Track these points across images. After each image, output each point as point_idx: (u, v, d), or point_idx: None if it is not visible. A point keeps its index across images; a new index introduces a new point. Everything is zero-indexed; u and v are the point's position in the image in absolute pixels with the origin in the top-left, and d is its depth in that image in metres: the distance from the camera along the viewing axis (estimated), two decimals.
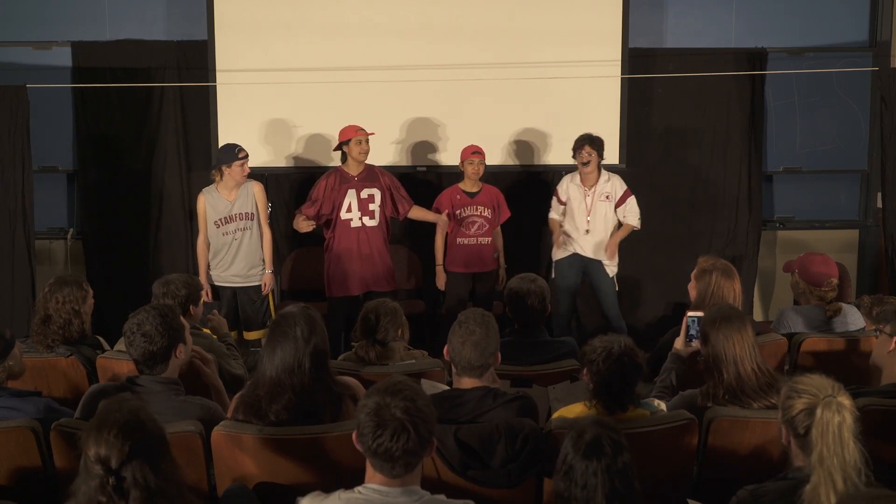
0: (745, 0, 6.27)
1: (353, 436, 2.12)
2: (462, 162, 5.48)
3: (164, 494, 2.00)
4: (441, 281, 5.53)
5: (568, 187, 5.51)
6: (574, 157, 5.41)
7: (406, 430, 2.03)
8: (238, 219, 5.18)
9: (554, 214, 5.60)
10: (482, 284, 5.57)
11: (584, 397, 2.92)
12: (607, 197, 5.45)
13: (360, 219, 5.30)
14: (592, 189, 5.43)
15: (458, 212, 5.47)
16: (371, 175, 5.34)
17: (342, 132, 5.27)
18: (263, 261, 5.27)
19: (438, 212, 5.46)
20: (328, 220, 5.32)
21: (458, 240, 5.49)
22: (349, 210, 5.29)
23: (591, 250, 5.47)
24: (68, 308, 3.73)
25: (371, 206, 5.31)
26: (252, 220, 5.20)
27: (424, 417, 2.07)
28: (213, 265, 5.23)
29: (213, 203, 5.19)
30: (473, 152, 5.43)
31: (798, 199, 6.53)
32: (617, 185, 5.47)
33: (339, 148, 5.31)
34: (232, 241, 5.18)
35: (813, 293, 3.97)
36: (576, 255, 5.51)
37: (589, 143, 5.35)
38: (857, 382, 3.17)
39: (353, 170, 5.30)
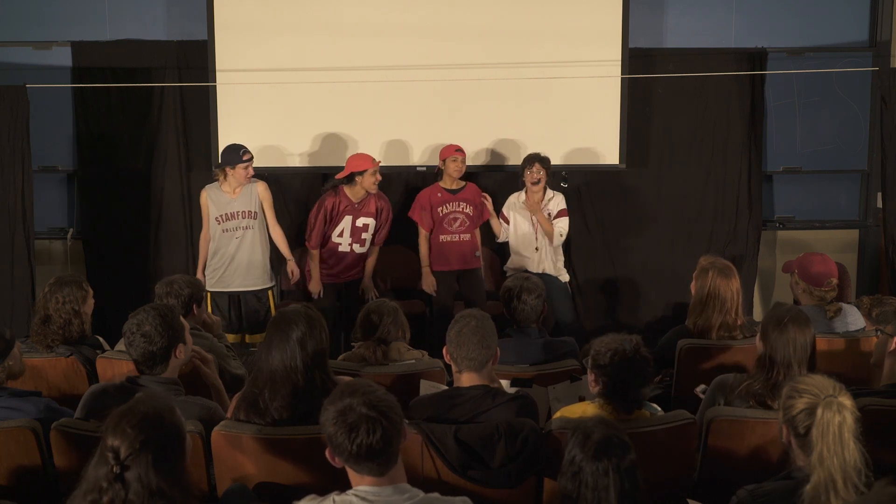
0: (745, 0, 6.27)
1: (327, 453, 2.12)
2: (444, 160, 5.50)
3: (166, 496, 1.99)
4: (428, 283, 5.54)
5: (514, 207, 5.62)
6: (522, 174, 5.50)
7: (378, 421, 2.05)
8: (240, 217, 5.18)
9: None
10: (466, 283, 5.59)
11: (587, 396, 2.91)
12: (549, 214, 5.53)
13: (350, 245, 5.39)
14: (542, 206, 5.52)
15: (439, 209, 5.49)
16: (368, 204, 5.37)
17: (355, 162, 5.26)
18: (280, 256, 5.39)
19: (422, 210, 5.50)
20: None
21: (441, 237, 5.52)
22: (341, 235, 5.37)
23: (538, 266, 5.56)
24: (68, 308, 3.73)
25: (364, 235, 5.40)
26: (255, 218, 5.20)
27: (389, 404, 2.10)
28: (211, 266, 5.22)
29: (214, 199, 5.20)
30: (457, 150, 5.47)
31: (798, 199, 6.52)
32: (558, 202, 5.57)
33: (349, 175, 5.27)
34: (232, 240, 5.18)
35: (813, 293, 3.96)
36: (526, 271, 5.44)
37: (539, 160, 5.45)
38: (857, 382, 3.17)
39: (355, 196, 5.33)
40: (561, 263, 5.70)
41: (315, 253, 5.39)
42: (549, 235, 5.51)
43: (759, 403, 2.88)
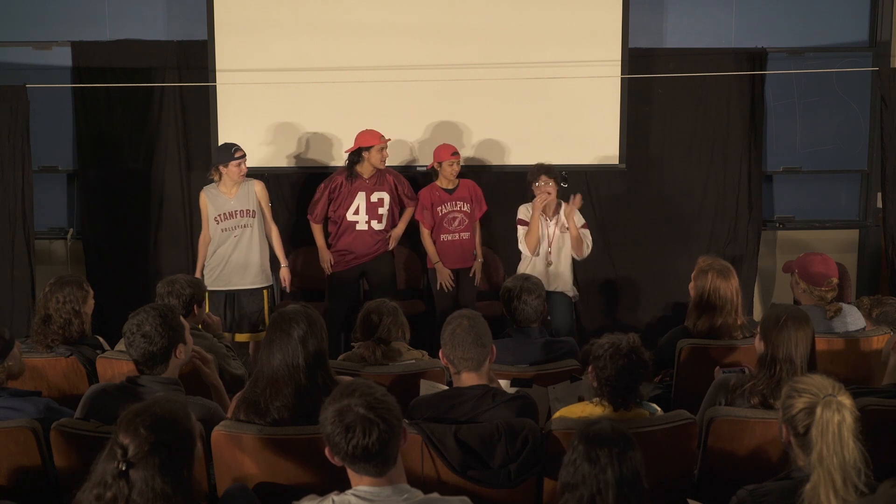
0: (745, 0, 6.27)
1: (327, 451, 2.13)
2: (440, 163, 5.45)
3: (170, 501, 1.99)
4: (444, 277, 5.50)
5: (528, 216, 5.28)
6: (531, 186, 5.27)
7: (375, 423, 2.04)
8: (239, 215, 5.19)
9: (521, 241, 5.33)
10: (463, 282, 5.59)
11: (587, 396, 2.92)
12: (566, 228, 5.25)
13: (368, 222, 5.37)
14: (554, 219, 5.28)
15: (438, 209, 5.49)
16: (381, 178, 5.39)
17: (363, 137, 5.30)
18: (273, 258, 5.35)
19: (423, 209, 5.48)
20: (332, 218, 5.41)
21: (442, 236, 5.52)
22: (357, 213, 5.36)
23: (550, 282, 5.19)
24: (68, 308, 3.73)
25: (380, 210, 5.39)
26: (253, 217, 5.21)
27: (387, 405, 2.09)
28: (209, 265, 5.22)
29: (213, 199, 5.21)
30: (453, 153, 5.44)
31: (798, 199, 6.52)
32: (578, 217, 5.25)
33: (355, 152, 5.31)
34: (230, 238, 5.19)
35: (813, 293, 3.96)
36: None
37: (546, 172, 5.22)
38: (857, 382, 3.17)
39: (366, 172, 5.35)
40: (571, 277, 5.36)
41: (317, 227, 5.46)
42: (577, 245, 5.18)
43: (763, 403, 2.89)
